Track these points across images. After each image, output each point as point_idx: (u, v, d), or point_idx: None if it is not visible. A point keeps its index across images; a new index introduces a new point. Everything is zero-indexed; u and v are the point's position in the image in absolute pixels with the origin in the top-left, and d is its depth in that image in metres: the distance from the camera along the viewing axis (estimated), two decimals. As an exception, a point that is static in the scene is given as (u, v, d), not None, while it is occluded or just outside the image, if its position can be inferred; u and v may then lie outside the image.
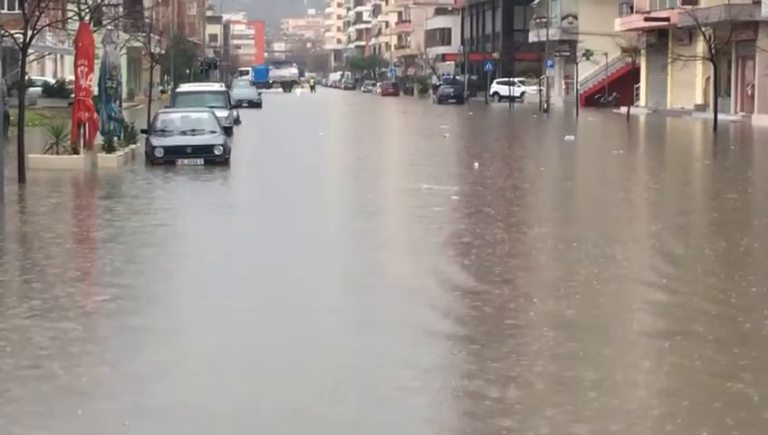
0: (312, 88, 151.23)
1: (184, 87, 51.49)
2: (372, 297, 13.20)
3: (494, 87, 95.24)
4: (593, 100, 78.95)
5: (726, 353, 10.13)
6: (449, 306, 12.39)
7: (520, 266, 14.97)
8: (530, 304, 12.38)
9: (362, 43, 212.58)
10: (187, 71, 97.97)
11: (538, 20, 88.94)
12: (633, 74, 74.72)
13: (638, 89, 75.35)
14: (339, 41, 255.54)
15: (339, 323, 11.64)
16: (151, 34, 57.77)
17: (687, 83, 65.70)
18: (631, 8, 74.17)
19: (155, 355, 10.25)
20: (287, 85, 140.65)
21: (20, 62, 27.20)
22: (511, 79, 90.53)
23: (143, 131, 32.76)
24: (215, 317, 11.89)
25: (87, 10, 33.13)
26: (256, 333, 11.15)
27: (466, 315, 11.81)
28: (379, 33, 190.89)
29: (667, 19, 66.30)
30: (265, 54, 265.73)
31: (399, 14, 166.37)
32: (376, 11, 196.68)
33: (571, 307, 12.12)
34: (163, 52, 69.01)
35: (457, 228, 18.57)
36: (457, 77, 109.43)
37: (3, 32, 25.09)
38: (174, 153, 29.43)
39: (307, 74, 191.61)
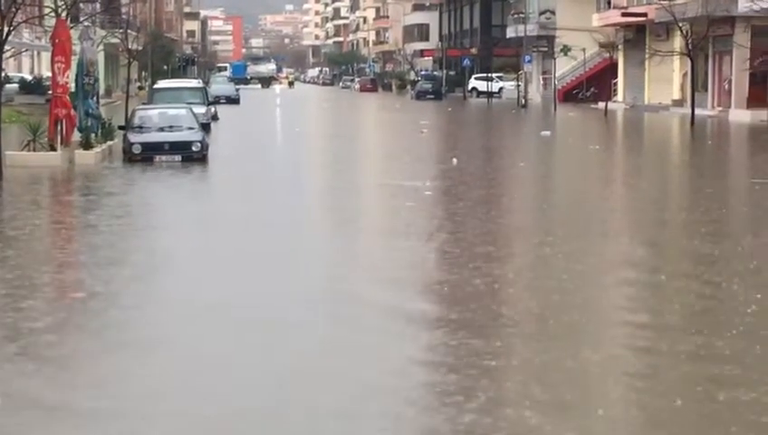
0: (291, 84, 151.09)
1: (161, 83, 51.42)
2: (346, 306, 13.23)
3: (473, 83, 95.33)
4: (571, 95, 79.03)
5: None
6: (424, 308, 12.43)
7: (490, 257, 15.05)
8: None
9: (340, 38, 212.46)
10: (165, 67, 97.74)
11: (516, 15, 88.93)
12: (611, 70, 74.78)
13: (615, 84, 75.45)
14: (317, 37, 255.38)
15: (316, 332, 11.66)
16: (129, 31, 57.55)
17: (665, 79, 65.84)
18: (609, 4, 74.26)
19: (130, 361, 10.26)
20: (265, 81, 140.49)
21: (-4, 58, 27.10)
22: (489, 74, 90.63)
23: (120, 128, 32.71)
24: (185, 318, 11.90)
25: (64, 6, 33.05)
26: (225, 344, 11.13)
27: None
28: (357, 28, 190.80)
29: (645, 14, 66.42)
30: (243, 50, 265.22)
31: (377, 9, 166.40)
32: (354, 6, 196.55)
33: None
34: (140, 48, 68.72)
35: (429, 223, 18.67)
36: (435, 73, 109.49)
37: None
38: (151, 150, 29.39)
39: (285, 70, 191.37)
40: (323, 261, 15.45)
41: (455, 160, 30.29)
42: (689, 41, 51.98)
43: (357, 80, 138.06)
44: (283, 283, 13.56)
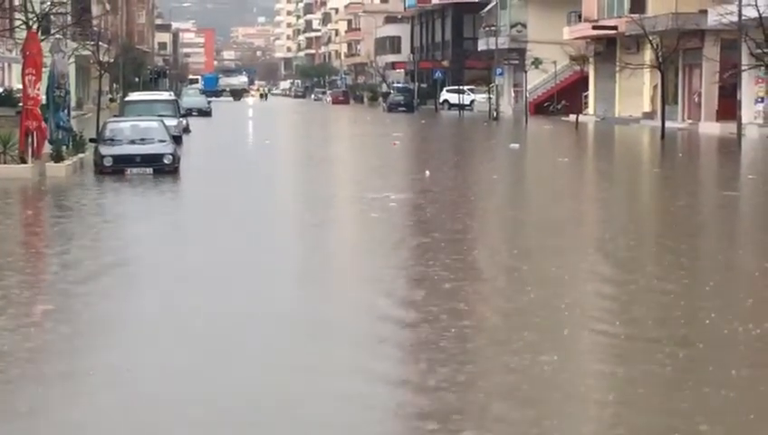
0: (264, 96, 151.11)
1: (133, 96, 51.29)
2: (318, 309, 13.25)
3: (444, 95, 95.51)
4: (542, 108, 79.29)
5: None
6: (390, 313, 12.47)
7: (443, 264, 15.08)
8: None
9: (312, 51, 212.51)
10: (136, 79, 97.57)
11: (487, 28, 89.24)
12: (582, 82, 75.12)
13: (586, 97, 75.76)
14: (289, 49, 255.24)
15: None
16: (100, 43, 57.51)
17: (635, 91, 66.15)
18: (579, 17, 74.59)
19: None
20: (237, 93, 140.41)
21: (-33, 71, 27.04)
22: (460, 87, 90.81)
23: (92, 140, 32.60)
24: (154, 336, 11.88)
25: (35, 18, 32.95)
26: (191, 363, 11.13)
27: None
28: (329, 41, 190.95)
29: (615, 27, 66.73)
30: (215, 63, 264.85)
31: (349, 22, 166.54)
32: (326, 19, 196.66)
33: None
34: (112, 60, 68.66)
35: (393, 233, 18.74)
36: (408, 85, 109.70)
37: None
38: (123, 162, 29.32)
39: (257, 82, 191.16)
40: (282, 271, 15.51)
41: (427, 173, 30.37)
42: (659, 54, 52.25)
43: (329, 92, 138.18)
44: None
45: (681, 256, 16.32)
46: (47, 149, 30.78)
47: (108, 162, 29.36)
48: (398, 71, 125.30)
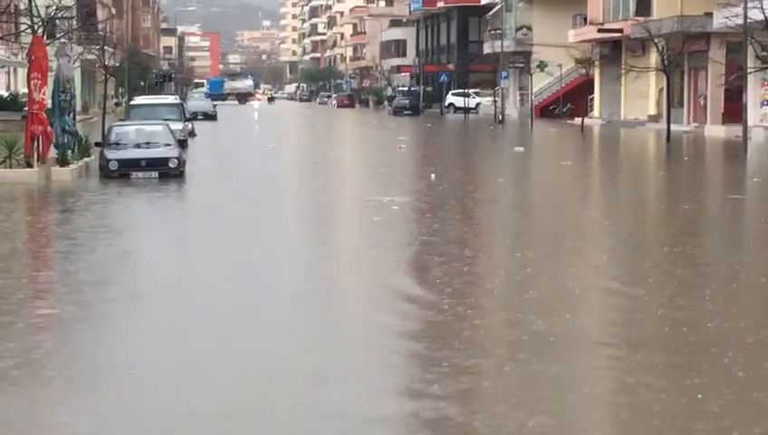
0: (271, 100, 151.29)
1: (138, 100, 51.31)
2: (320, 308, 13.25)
3: (450, 98, 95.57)
4: (548, 111, 79.27)
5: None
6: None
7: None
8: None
9: (317, 54, 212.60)
10: (142, 83, 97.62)
11: (492, 31, 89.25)
12: (587, 85, 75.09)
13: (591, 100, 75.72)
14: (294, 53, 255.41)
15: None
16: (105, 47, 57.55)
17: (641, 94, 66.11)
18: (585, 20, 74.58)
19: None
20: (242, 97, 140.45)
21: (-28, 75, 27.07)
22: (466, 90, 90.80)
23: (97, 144, 32.62)
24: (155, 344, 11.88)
25: (40, 23, 32.98)
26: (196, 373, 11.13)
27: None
28: (334, 44, 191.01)
29: (620, 31, 66.73)
30: (220, 66, 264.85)
31: (354, 25, 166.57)
32: (331, 23, 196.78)
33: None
34: (117, 64, 68.87)
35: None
36: (414, 88, 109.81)
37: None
38: (128, 166, 29.33)
39: (263, 86, 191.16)
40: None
41: (433, 175, 30.35)
42: (665, 57, 52.22)
43: (334, 96, 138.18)
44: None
45: (684, 259, 16.32)
46: (53, 153, 30.79)
47: (113, 166, 29.36)
48: (403, 74, 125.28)
